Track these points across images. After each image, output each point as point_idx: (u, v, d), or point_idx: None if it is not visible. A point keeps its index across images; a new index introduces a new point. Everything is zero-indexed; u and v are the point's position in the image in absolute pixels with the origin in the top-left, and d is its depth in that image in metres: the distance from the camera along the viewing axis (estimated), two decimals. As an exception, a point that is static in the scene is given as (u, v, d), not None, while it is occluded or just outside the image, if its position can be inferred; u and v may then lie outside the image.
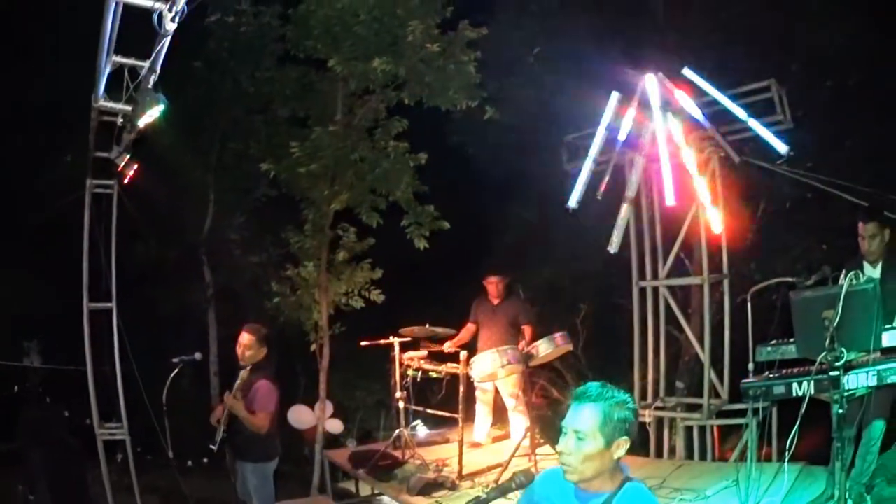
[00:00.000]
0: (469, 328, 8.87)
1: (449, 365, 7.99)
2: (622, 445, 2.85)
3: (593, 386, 2.93)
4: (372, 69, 8.39)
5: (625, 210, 8.00)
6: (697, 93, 8.03)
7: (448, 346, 8.57)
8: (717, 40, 10.10)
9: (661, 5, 10.64)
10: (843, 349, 4.48)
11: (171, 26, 5.44)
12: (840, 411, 4.48)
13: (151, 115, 6.48)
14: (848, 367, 4.57)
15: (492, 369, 7.57)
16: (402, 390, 8.26)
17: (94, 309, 8.66)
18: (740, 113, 7.76)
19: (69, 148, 10.06)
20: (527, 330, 8.40)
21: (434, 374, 8.36)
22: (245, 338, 6.20)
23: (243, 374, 6.03)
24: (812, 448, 6.01)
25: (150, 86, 6.42)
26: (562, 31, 10.36)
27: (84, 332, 8.57)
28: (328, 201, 8.83)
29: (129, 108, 7.04)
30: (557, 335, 7.66)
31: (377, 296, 9.25)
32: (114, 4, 5.67)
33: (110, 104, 7.31)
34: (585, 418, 2.85)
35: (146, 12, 5.55)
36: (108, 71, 6.77)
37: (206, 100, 10.75)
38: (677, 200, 7.82)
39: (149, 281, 11.68)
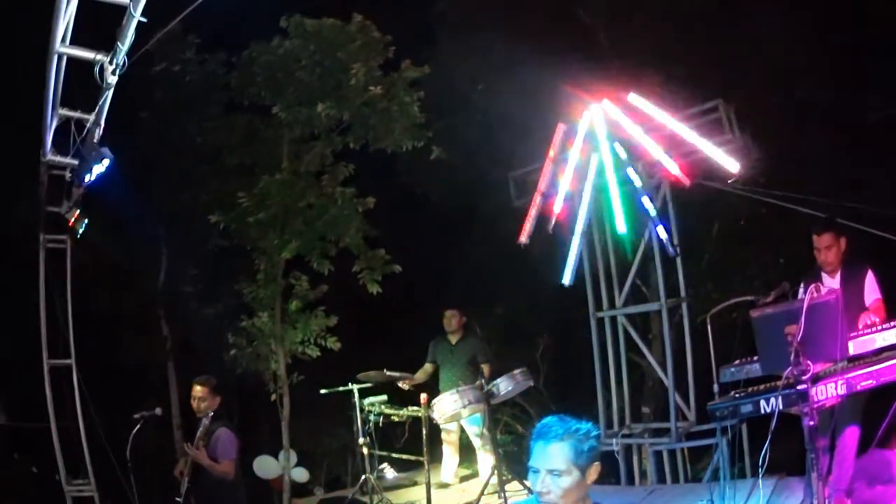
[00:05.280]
0: (426, 369, 8.79)
1: (410, 408, 7.95)
2: (594, 471, 2.88)
3: (554, 422, 2.92)
4: (316, 114, 8.40)
5: (576, 241, 8.00)
6: (645, 118, 8.05)
7: (404, 384, 8.47)
8: (661, 63, 10.14)
9: (603, 33, 10.71)
10: (808, 362, 4.41)
11: (112, 79, 5.49)
12: (811, 423, 4.44)
13: (97, 170, 6.40)
14: (815, 379, 4.53)
15: (453, 410, 7.52)
16: (364, 436, 8.19)
17: (54, 365, 8.64)
18: (689, 135, 7.78)
19: (20, 201, 9.90)
20: (485, 369, 8.33)
21: (396, 418, 8.31)
22: (198, 390, 6.44)
23: (205, 421, 6.19)
24: (787, 459, 6.01)
25: (95, 140, 6.38)
26: (506, 65, 10.34)
27: (45, 389, 8.53)
28: (279, 250, 8.75)
29: (76, 162, 7.02)
30: (517, 372, 7.65)
31: (333, 343, 9.13)
32: (56, 57, 5.70)
33: (58, 158, 7.33)
34: (557, 456, 2.84)
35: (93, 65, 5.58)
36: (54, 124, 6.81)
37: (155, 150, 10.60)
38: (629, 227, 7.83)
39: (107, 335, 11.49)
